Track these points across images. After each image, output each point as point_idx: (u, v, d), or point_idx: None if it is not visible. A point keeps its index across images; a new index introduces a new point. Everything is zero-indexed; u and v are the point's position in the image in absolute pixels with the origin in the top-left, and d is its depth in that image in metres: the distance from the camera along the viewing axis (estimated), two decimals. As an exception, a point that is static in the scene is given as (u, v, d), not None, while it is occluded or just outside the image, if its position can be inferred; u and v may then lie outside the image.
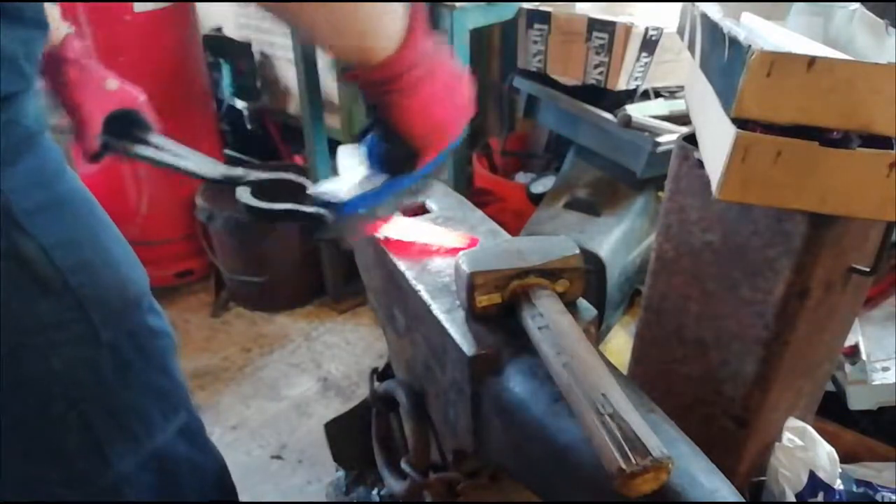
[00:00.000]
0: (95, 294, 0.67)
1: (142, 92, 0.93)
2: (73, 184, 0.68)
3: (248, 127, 2.52)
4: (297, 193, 0.91)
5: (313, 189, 0.79)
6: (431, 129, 0.65)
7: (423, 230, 0.89)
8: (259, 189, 0.90)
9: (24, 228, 0.61)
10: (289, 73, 2.53)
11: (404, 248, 0.86)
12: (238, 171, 0.91)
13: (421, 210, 0.99)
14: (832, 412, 1.34)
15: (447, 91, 0.64)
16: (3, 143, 0.59)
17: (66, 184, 0.67)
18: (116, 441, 0.73)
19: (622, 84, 1.58)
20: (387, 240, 0.86)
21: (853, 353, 1.36)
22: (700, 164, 0.96)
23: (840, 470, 1.10)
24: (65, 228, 0.65)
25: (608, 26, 1.52)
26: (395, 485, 0.92)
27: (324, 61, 1.96)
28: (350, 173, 0.74)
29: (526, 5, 1.65)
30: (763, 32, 0.98)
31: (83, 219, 0.68)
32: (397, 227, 0.87)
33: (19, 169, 0.61)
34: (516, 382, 0.69)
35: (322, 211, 0.82)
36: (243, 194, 0.87)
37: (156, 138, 0.92)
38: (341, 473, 1.43)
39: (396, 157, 0.68)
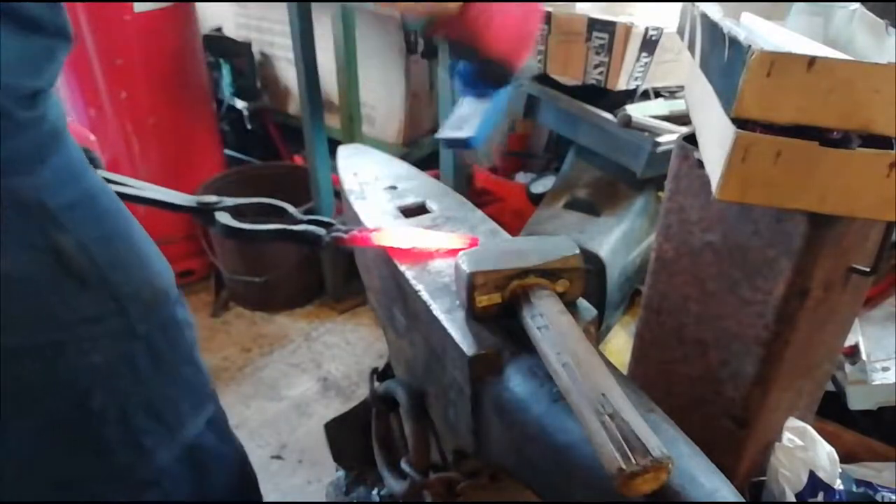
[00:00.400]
0: (130, 288, 0.68)
1: (90, 132, 0.95)
2: (98, 180, 0.69)
3: (248, 127, 2.52)
4: (281, 212, 0.93)
5: (441, 133, 0.87)
6: (511, 44, 0.79)
7: (422, 234, 0.89)
8: (238, 211, 0.91)
9: (61, 224, 0.61)
10: (289, 73, 2.53)
11: (405, 253, 0.86)
12: (212, 198, 0.92)
13: (421, 210, 0.99)
14: (832, 412, 1.34)
15: (518, 14, 0.79)
16: (34, 140, 0.59)
17: (92, 179, 0.68)
18: (153, 434, 0.74)
19: (622, 84, 1.58)
20: (388, 247, 0.87)
21: (853, 353, 1.37)
22: (700, 164, 0.96)
23: (840, 470, 1.10)
24: (99, 223, 0.66)
25: (608, 26, 1.52)
26: (395, 485, 0.92)
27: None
28: (457, 115, 0.87)
29: (526, 5, 1.66)
30: (763, 32, 0.98)
31: (112, 213, 0.69)
32: (397, 234, 0.88)
33: (50, 165, 0.61)
34: (516, 382, 0.69)
35: (312, 228, 0.87)
36: (223, 217, 0.89)
37: (113, 176, 0.93)
38: (341, 473, 1.43)
39: (490, 75, 0.81)
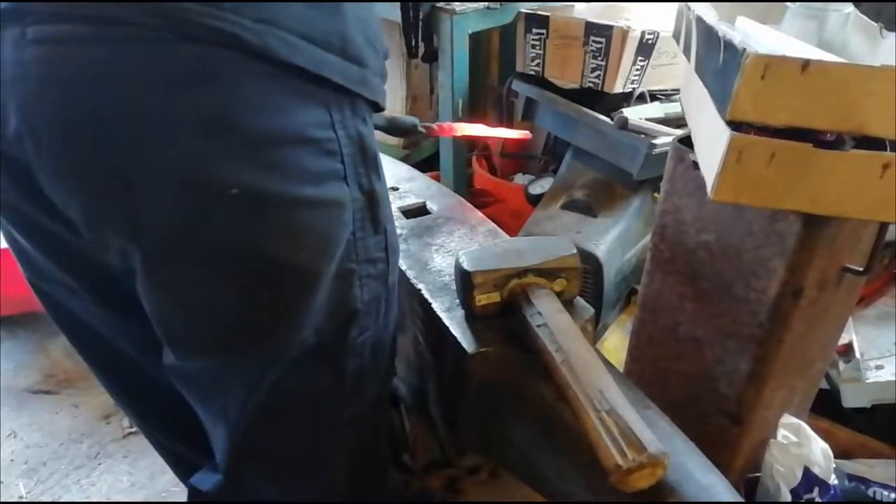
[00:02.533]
0: (393, 241, 0.76)
1: None
2: None
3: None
4: None
5: None
6: None
7: (488, 129, 1.17)
8: None
9: (378, 172, 0.71)
10: (288, 74, 2.53)
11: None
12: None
13: (422, 211, 1.00)
14: (826, 410, 1.35)
15: None
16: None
17: None
18: (369, 374, 0.78)
19: (619, 87, 1.60)
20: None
21: (847, 351, 1.38)
22: (695, 165, 0.97)
23: (834, 465, 1.11)
24: (382, 178, 0.74)
25: (605, 30, 1.53)
26: (396, 480, 0.93)
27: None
28: None
29: (524, 8, 1.67)
30: (758, 36, 0.99)
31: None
32: (470, 127, 1.11)
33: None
34: (515, 380, 0.70)
35: (406, 117, 1.01)
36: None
37: None
38: (341, 472, 1.43)
39: None
